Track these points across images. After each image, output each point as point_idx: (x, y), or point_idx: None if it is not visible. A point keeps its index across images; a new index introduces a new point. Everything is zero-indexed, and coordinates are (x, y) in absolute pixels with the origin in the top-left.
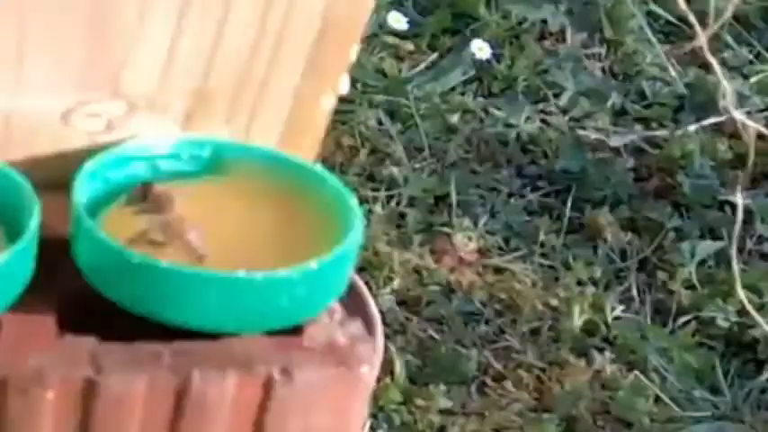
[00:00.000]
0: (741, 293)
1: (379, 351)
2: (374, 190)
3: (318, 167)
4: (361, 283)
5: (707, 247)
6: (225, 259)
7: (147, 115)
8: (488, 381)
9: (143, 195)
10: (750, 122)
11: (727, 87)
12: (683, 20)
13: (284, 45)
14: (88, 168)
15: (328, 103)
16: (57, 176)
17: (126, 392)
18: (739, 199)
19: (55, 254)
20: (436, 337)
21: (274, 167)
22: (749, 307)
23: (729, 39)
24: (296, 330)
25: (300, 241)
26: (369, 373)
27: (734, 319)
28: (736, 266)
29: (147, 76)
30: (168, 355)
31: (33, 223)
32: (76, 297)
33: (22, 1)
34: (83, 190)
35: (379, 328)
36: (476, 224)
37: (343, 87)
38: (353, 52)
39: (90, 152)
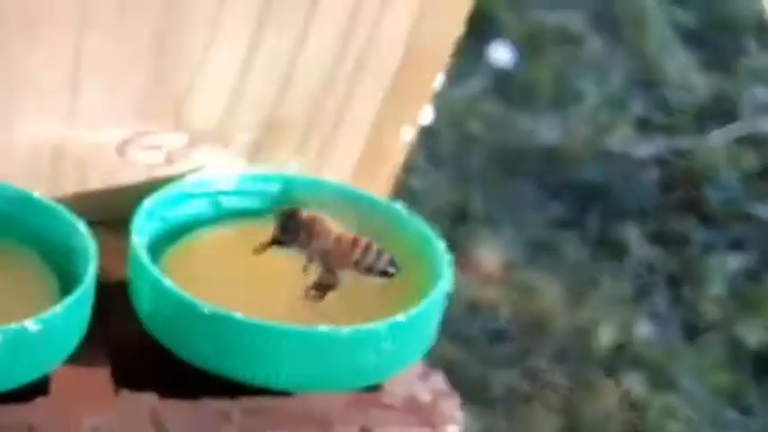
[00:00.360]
0: None
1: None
2: (395, 202)
3: (399, 205)
4: None
5: (735, 261)
6: (301, 310)
7: (211, 147)
8: (515, 402)
9: (284, 225)
10: None
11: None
12: (708, 26)
13: (364, 74)
14: (147, 206)
15: (408, 135)
16: (111, 213)
17: None
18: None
19: (110, 299)
20: (461, 357)
21: (349, 205)
22: None
23: (754, 44)
24: (375, 386)
25: (384, 290)
26: (455, 431)
27: (764, 336)
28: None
29: (213, 106)
30: (238, 415)
31: (91, 268)
32: (133, 348)
33: (80, 20)
34: (142, 229)
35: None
36: (499, 238)
37: (426, 118)
38: (438, 81)
39: (147, 187)
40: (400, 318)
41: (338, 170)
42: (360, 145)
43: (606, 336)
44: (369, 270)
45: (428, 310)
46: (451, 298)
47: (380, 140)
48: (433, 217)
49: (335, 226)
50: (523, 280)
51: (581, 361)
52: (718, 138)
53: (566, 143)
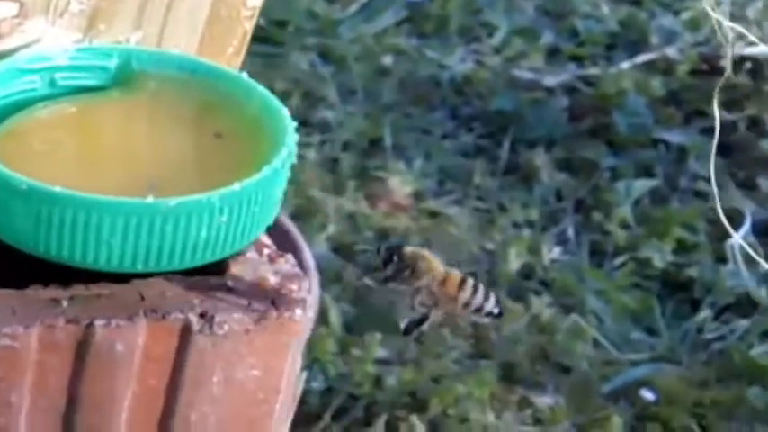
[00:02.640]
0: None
1: (314, 293)
2: (307, 135)
3: (244, 76)
4: (292, 226)
5: (642, 186)
6: (137, 186)
7: (43, 19)
8: (425, 328)
9: (388, 259)
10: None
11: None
12: None
13: None
14: None
15: (254, 1)
16: None
17: (17, 347)
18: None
19: None
20: (372, 285)
21: (192, 78)
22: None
23: None
24: (218, 269)
25: (226, 163)
26: (303, 316)
27: (670, 258)
28: None
29: None
30: (66, 302)
31: None
32: None
33: None
34: None
35: (314, 273)
36: (410, 168)
37: None
38: None
39: None
40: (235, 187)
41: (181, 41)
42: (202, 13)
43: (514, 261)
44: (477, 311)
45: (267, 180)
46: (360, 227)
47: (224, 6)
48: (345, 148)
49: (438, 263)
50: (433, 208)
51: (490, 286)
52: (627, 66)
53: (476, 74)
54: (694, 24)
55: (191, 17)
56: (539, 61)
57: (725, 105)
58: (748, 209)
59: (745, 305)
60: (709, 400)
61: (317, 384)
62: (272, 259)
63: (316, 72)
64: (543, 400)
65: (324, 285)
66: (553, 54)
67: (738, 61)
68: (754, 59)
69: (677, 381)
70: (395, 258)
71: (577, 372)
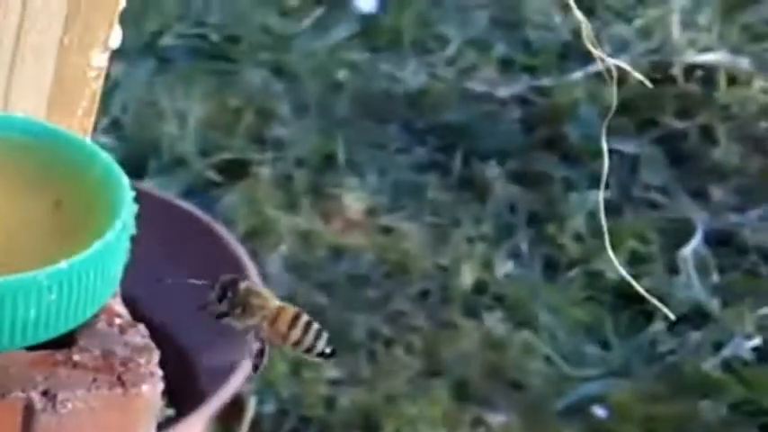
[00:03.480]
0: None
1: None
2: (261, 152)
3: (88, 141)
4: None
5: (594, 197)
6: None
7: None
8: (378, 347)
9: (222, 295)
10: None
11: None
12: None
13: None
14: None
15: (100, 61)
16: None
17: None
18: (604, 144)
19: None
20: (324, 303)
21: (35, 142)
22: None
23: None
24: (69, 341)
25: (64, 235)
26: (151, 391)
27: (622, 270)
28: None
29: None
30: None
31: None
32: None
33: None
34: None
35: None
36: (364, 183)
37: (116, 41)
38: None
39: None
40: (62, 265)
41: (28, 104)
42: (47, 74)
43: (467, 276)
44: (308, 351)
45: (99, 255)
46: (313, 245)
47: (69, 68)
48: (298, 165)
49: (272, 299)
50: (387, 224)
51: (443, 302)
52: (579, 76)
53: (430, 87)
54: (646, 33)
55: (35, 80)
56: (492, 72)
57: (676, 114)
58: (700, 218)
59: (697, 317)
60: (661, 415)
61: (269, 407)
62: (122, 330)
63: (269, 88)
64: (496, 419)
65: None
66: (506, 65)
67: (689, 69)
68: (706, 67)
69: (629, 395)
70: (228, 294)
71: (530, 389)
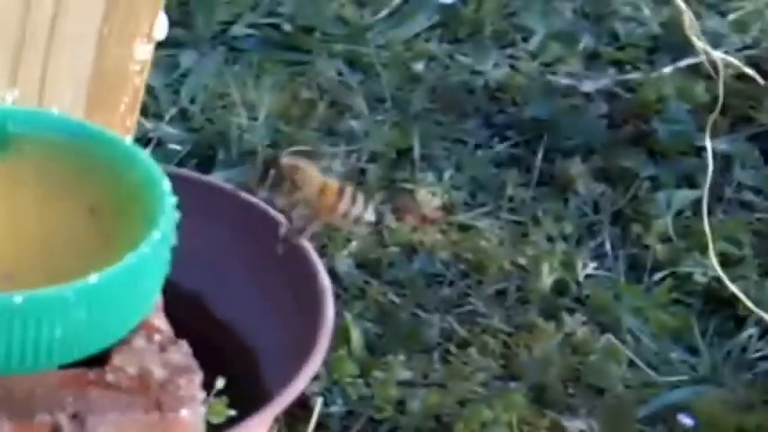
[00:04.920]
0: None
1: (328, 324)
2: (333, 145)
3: (128, 141)
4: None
5: (683, 196)
6: (12, 264)
7: None
8: (452, 348)
9: (264, 172)
10: (720, 56)
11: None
12: None
13: None
14: None
15: (143, 53)
16: None
17: None
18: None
19: None
20: (397, 301)
21: (72, 142)
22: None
23: None
24: (102, 358)
25: (98, 244)
26: (192, 416)
27: (712, 273)
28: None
29: None
30: None
31: None
32: None
33: None
34: None
35: (329, 297)
36: (440, 179)
37: (160, 32)
38: None
39: None
40: (92, 279)
41: (64, 99)
42: (85, 67)
43: (547, 277)
44: (357, 221)
45: (133, 269)
46: (386, 242)
47: (109, 60)
48: (372, 159)
49: (317, 173)
50: (463, 221)
51: (521, 303)
52: (669, 71)
53: (511, 80)
54: (741, 26)
55: (72, 71)
56: (577, 66)
57: None
58: None
59: None
60: (754, 425)
61: (337, 408)
62: (162, 348)
63: (343, 80)
64: (575, 425)
65: (346, 303)
66: (592, 59)
67: None
68: None
69: (719, 404)
70: (271, 171)
71: (612, 395)
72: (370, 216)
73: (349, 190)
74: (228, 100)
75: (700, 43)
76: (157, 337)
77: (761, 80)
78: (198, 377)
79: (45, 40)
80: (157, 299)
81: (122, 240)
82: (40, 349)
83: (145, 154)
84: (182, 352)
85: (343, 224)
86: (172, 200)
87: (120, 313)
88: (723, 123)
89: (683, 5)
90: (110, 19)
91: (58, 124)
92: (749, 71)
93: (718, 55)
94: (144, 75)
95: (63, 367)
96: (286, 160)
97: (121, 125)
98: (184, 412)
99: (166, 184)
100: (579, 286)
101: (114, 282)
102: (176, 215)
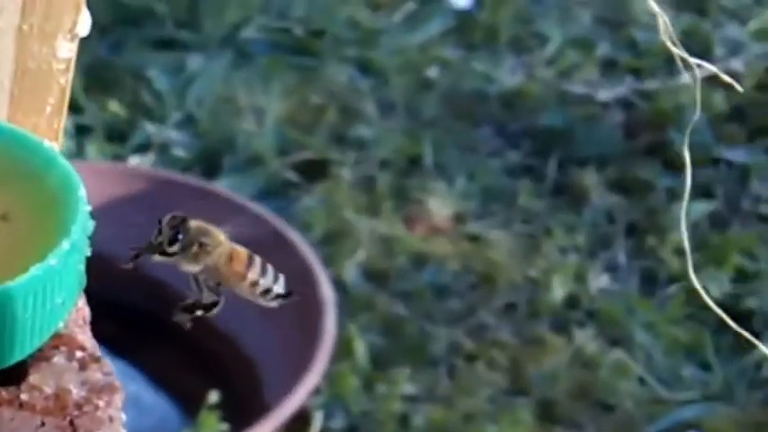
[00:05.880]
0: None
1: (329, 333)
2: (342, 152)
3: (47, 145)
4: (313, 257)
5: (700, 208)
6: None
7: None
8: (459, 362)
9: (173, 237)
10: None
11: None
12: None
13: None
14: None
15: (66, 51)
16: None
17: None
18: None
19: None
20: (403, 313)
21: None
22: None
23: None
24: (20, 375)
25: (20, 246)
26: None
27: (727, 288)
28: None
29: None
30: None
31: None
32: None
33: None
34: None
35: (331, 309)
36: (452, 188)
37: (84, 28)
38: None
39: None
40: None
41: None
42: (6, 66)
43: (558, 289)
44: (266, 293)
45: (40, 281)
46: (394, 251)
47: (31, 59)
48: (382, 167)
49: (224, 238)
50: (474, 232)
51: (531, 316)
52: (686, 80)
53: (526, 87)
54: (762, 35)
55: None
56: (593, 74)
57: None
58: None
59: None
60: None
61: (338, 423)
62: (83, 365)
63: (353, 85)
64: None
65: (352, 314)
66: (609, 66)
67: None
68: None
69: (730, 422)
70: (180, 235)
71: (621, 411)
72: (279, 288)
73: (258, 260)
74: (236, 105)
75: (675, 49)
76: (79, 354)
77: None
78: (119, 397)
79: None
80: (84, 313)
81: (35, 249)
82: None
83: (64, 159)
84: (103, 371)
85: (251, 294)
86: (86, 208)
87: (26, 329)
88: (740, 134)
89: (656, 8)
90: (29, 15)
91: None
92: (733, 82)
93: (693, 61)
94: (69, 74)
95: None
96: (194, 223)
97: (48, 127)
98: None
99: (83, 191)
100: (591, 300)
101: (16, 295)
102: (91, 224)
